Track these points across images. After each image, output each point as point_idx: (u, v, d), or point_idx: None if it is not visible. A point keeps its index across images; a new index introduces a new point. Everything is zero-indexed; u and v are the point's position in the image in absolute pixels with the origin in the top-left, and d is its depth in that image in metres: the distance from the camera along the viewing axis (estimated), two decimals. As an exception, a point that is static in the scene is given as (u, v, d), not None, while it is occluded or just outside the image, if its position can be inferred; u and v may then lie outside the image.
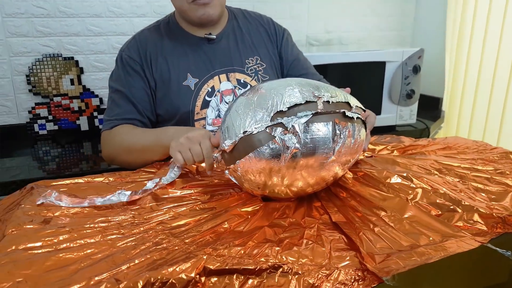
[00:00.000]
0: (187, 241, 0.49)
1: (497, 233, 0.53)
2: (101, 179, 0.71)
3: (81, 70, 1.53)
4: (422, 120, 1.72)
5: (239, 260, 0.43)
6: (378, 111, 1.59)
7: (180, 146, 0.72)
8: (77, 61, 1.51)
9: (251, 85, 1.00)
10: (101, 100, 1.57)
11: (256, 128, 0.57)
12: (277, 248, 0.47)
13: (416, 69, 1.58)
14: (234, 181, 0.65)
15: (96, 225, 0.54)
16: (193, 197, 0.66)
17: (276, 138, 0.56)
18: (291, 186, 0.61)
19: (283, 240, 0.49)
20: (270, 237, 0.50)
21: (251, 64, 1.01)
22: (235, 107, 0.62)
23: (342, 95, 0.63)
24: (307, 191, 0.63)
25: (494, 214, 0.54)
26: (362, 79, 1.60)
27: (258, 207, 0.60)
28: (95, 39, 1.52)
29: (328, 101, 0.60)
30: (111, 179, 0.72)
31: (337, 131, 0.59)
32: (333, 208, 0.61)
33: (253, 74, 1.01)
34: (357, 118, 0.64)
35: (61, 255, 0.47)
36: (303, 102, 0.57)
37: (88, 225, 0.54)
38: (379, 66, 1.58)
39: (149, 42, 0.97)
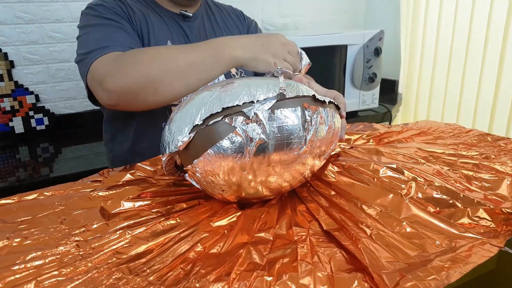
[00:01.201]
0: (151, 279, 0.37)
1: (509, 231, 0.46)
2: (34, 195, 0.57)
3: (12, 64, 1.32)
4: (383, 104, 1.69)
5: (225, 306, 0.32)
6: (341, 97, 1.54)
7: (275, 56, 0.67)
8: (5, 54, 1.30)
9: None
10: (37, 97, 1.37)
11: (210, 120, 0.48)
12: (269, 279, 0.36)
13: (377, 52, 1.53)
14: (197, 186, 0.55)
15: (28, 265, 0.41)
16: (153, 211, 0.54)
17: (237, 129, 0.47)
18: (262, 184, 0.52)
19: (273, 263, 0.39)
20: (256, 259, 0.40)
21: None
22: (187, 105, 0.53)
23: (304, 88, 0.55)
24: (283, 186, 0.55)
25: (503, 209, 0.48)
26: (324, 64, 1.53)
27: (234, 219, 0.50)
28: (26, 28, 1.32)
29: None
30: (47, 193, 0.57)
31: (307, 117, 0.50)
32: (320, 211, 0.52)
33: None
34: (329, 102, 0.55)
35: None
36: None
37: (17, 267, 0.40)
38: (341, 50, 1.52)
39: (123, 1, 0.83)
